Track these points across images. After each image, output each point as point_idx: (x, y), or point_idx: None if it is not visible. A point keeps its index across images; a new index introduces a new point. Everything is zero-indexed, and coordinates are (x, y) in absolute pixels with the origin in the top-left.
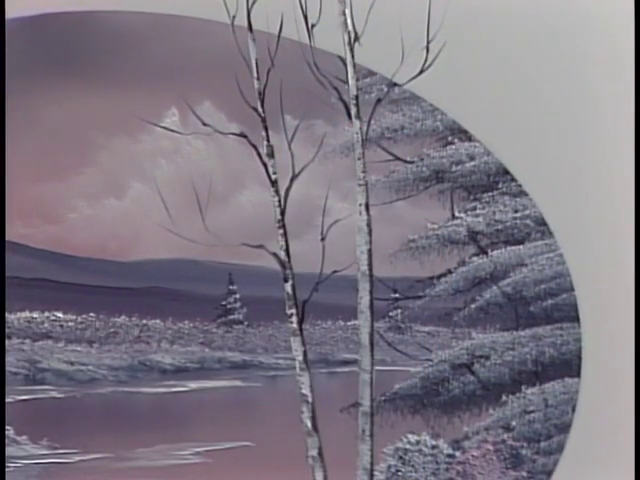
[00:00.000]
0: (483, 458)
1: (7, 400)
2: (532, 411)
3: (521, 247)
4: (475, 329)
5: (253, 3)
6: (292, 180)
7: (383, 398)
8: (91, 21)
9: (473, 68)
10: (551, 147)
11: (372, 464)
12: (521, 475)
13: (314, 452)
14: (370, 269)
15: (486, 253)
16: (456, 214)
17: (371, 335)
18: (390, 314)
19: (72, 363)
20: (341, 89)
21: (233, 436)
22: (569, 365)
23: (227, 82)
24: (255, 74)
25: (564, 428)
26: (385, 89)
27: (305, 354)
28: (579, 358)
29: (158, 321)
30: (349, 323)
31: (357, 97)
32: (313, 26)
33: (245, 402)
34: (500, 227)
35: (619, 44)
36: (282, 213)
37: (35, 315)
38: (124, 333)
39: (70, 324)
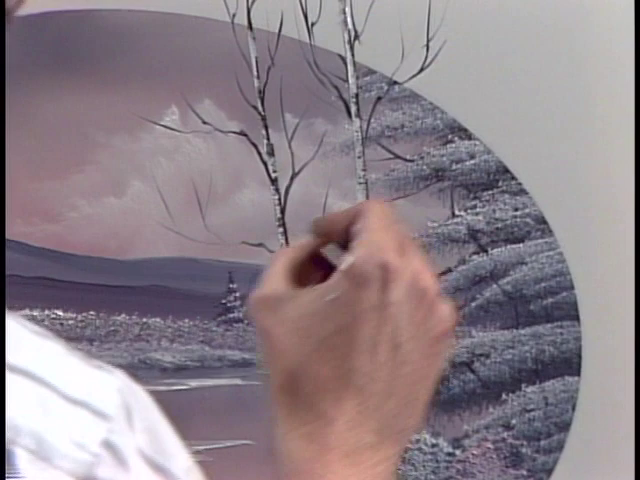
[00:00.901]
0: (483, 456)
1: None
2: (532, 409)
3: (521, 245)
4: (475, 327)
5: (253, 2)
6: (292, 178)
7: None
8: (90, 19)
9: (473, 66)
10: (551, 146)
11: None
12: (521, 473)
13: None
14: None
15: (486, 251)
16: (456, 212)
17: None
18: None
19: None
20: (341, 87)
21: (233, 434)
22: (569, 363)
23: (227, 80)
24: (255, 72)
25: (564, 426)
26: (385, 87)
27: None
28: (579, 357)
29: (158, 319)
30: None
31: (357, 95)
32: (313, 24)
33: (245, 400)
34: (500, 225)
35: (619, 44)
36: (282, 211)
37: (35, 313)
38: (124, 331)
39: (70, 322)
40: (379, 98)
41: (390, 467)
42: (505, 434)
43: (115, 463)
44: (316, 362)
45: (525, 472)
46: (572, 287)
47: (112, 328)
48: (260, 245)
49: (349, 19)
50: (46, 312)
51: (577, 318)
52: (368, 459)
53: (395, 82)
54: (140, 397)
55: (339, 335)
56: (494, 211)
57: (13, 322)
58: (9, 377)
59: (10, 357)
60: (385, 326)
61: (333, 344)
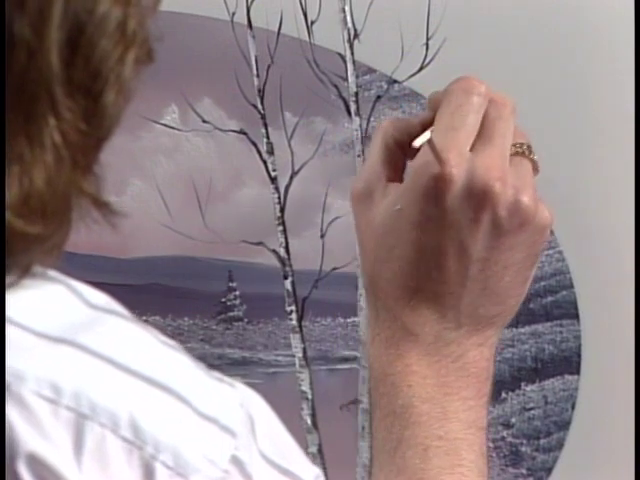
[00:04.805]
0: None
1: None
2: (532, 408)
3: None
4: None
5: (253, 0)
6: (292, 177)
7: None
8: None
9: (473, 65)
10: (551, 146)
11: (372, 461)
12: (520, 472)
13: (314, 449)
14: None
15: None
16: None
17: None
18: None
19: None
20: (341, 86)
21: None
22: (569, 362)
23: (226, 79)
24: (255, 71)
25: (564, 425)
26: (385, 86)
27: (305, 351)
28: (579, 355)
29: (158, 318)
30: (349, 320)
31: (357, 94)
32: (313, 23)
33: None
34: None
35: (619, 44)
36: (282, 210)
37: None
38: None
39: None
40: (379, 97)
41: (477, 355)
42: (505, 433)
43: (242, 478)
44: (387, 270)
45: (525, 471)
46: (572, 286)
47: None
48: (260, 244)
49: (349, 18)
50: None
51: (577, 317)
52: (447, 355)
53: (395, 81)
54: (260, 407)
55: (404, 246)
56: None
57: (146, 333)
58: (150, 391)
59: (148, 371)
60: (445, 235)
61: (400, 254)
